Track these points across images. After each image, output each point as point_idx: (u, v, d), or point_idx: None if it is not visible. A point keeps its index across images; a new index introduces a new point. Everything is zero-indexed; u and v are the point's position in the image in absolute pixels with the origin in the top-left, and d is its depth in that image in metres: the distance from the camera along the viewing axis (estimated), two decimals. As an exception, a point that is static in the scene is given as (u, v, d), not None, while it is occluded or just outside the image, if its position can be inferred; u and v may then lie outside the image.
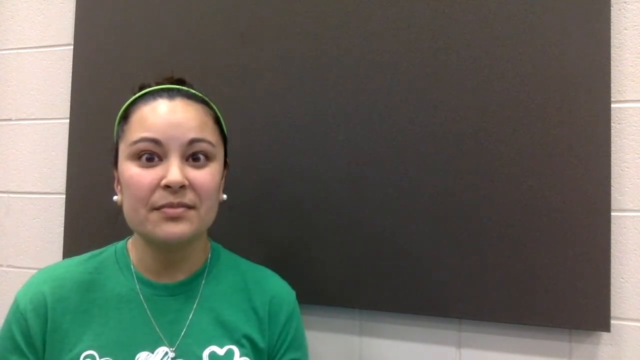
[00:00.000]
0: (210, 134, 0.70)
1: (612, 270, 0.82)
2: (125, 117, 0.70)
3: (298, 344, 0.77)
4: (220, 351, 0.69)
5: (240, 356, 0.70)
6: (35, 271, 0.74)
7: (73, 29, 1.11)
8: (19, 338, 0.67)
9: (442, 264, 0.87)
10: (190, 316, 0.70)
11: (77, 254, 0.77)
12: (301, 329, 0.79)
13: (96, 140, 1.06)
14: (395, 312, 0.91)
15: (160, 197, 0.65)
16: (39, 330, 0.67)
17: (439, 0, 0.89)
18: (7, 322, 0.69)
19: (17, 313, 0.68)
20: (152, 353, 0.67)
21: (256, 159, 0.96)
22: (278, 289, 0.78)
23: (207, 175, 0.68)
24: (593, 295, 0.80)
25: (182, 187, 0.65)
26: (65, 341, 0.67)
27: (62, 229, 1.09)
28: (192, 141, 0.67)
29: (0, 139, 1.18)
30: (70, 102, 1.10)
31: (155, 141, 0.65)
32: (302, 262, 0.93)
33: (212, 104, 0.74)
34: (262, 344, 0.72)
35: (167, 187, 0.64)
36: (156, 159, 0.66)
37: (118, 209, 0.71)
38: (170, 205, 0.65)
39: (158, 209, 0.65)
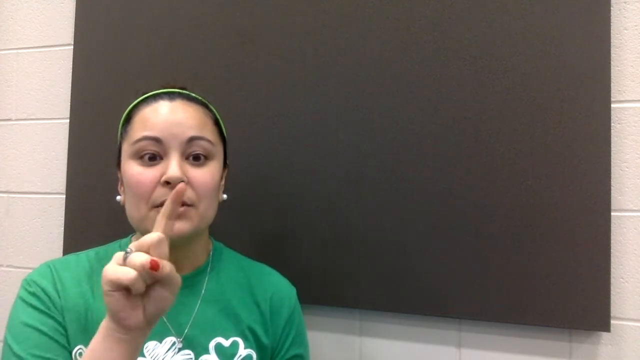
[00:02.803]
0: (210, 134, 0.71)
1: (612, 270, 0.82)
2: (128, 119, 0.72)
3: (300, 340, 0.78)
4: (226, 342, 0.70)
5: (245, 348, 0.71)
6: (35, 271, 0.74)
7: (73, 29, 1.11)
8: (40, 305, 0.66)
9: (442, 264, 0.87)
10: (196, 308, 0.72)
11: (77, 254, 0.77)
12: (303, 325, 0.80)
13: (96, 140, 1.06)
14: (395, 312, 0.91)
15: (161, 194, 0.66)
16: (57, 298, 0.67)
17: (439, 0, 0.89)
18: (22, 302, 0.67)
19: (30, 288, 0.67)
20: (160, 343, 0.68)
21: (256, 159, 0.96)
22: (279, 285, 0.79)
23: (206, 174, 0.69)
24: (593, 295, 0.80)
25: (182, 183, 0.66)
26: (73, 331, 0.67)
27: (62, 229, 1.09)
28: (192, 139, 0.68)
29: (0, 139, 1.18)
30: (70, 102, 1.10)
31: (156, 139, 0.67)
32: (302, 262, 0.93)
33: (211, 106, 0.76)
34: (265, 339, 0.73)
35: (167, 183, 0.66)
36: (158, 158, 0.68)
37: (121, 208, 0.72)
38: None
39: (159, 206, 0.66)
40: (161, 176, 0.66)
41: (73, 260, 0.73)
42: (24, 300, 0.67)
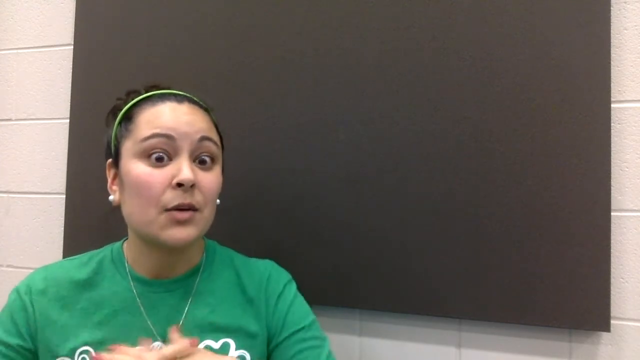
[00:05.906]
0: (215, 137, 0.72)
1: (612, 270, 0.82)
2: (129, 117, 0.70)
3: (298, 317, 0.74)
4: (216, 345, 0.70)
5: (236, 349, 0.70)
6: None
7: (73, 29, 1.11)
8: (22, 324, 0.69)
9: (442, 264, 0.87)
10: (185, 311, 0.71)
11: (77, 254, 0.77)
12: (298, 303, 0.76)
13: (96, 140, 1.05)
14: (395, 312, 0.91)
15: (173, 198, 0.65)
16: (40, 320, 0.69)
17: (439, 0, 0.89)
18: (8, 309, 0.71)
19: (18, 300, 0.70)
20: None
21: (256, 160, 0.96)
22: (264, 270, 0.77)
23: (213, 178, 0.69)
24: (593, 295, 0.80)
25: (192, 186, 0.66)
26: (61, 337, 0.68)
27: (62, 229, 1.09)
28: (203, 139, 0.68)
29: (0, 139, 1.18)
30: (70, 102, 1.10)
31: (168, 137, 0.65)
32: (302, 262, 0.93)
33: (212, 114, 0.76)
34: (258, 329, 0.72)
35: (178, 185, 0.65)
36: (166, 158, 0.66)
37: (112, 209, 0.71)
38: (182, 207, 0.65)
39: (169, 210, 0.65)
40: (171, 178, 0.65)
41: (59, 275, 0.73)
42: (4, 311, 0.72)
